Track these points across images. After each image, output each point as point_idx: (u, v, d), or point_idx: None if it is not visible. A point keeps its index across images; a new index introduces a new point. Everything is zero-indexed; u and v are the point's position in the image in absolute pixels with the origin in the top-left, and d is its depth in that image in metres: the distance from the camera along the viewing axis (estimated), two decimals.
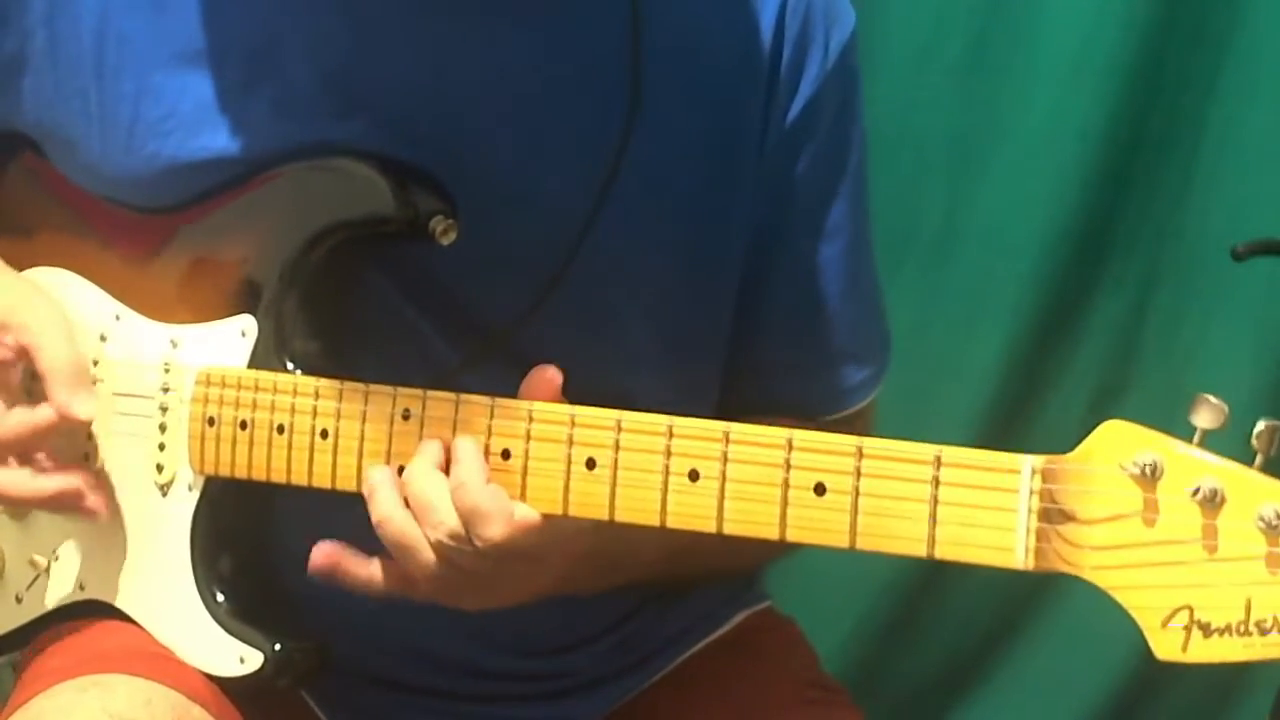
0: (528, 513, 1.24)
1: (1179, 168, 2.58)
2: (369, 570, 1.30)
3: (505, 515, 1.23)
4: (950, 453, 1.11)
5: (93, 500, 1.39)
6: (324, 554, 1.31)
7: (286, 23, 1.38)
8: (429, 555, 1.26)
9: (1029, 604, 2.65)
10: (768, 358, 1.50)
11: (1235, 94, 2.55)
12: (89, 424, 1.40)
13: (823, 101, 1.45)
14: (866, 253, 1.53)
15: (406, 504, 1.26)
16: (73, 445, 1.43)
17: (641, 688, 1.56)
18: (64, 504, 1.39)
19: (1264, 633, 0.99)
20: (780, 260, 1.47)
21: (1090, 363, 2.61)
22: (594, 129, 1.38)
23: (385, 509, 1.27)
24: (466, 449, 1.26)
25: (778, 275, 1.48)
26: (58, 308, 1.43)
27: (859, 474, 1.13)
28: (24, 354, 1.39)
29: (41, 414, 1.38)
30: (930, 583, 2.63)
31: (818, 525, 1.16)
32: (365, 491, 1.29)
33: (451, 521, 1.24)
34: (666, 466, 1.20)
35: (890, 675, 2.66)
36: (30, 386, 1.41)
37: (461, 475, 1.25)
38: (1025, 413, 2.58)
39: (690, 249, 1.44)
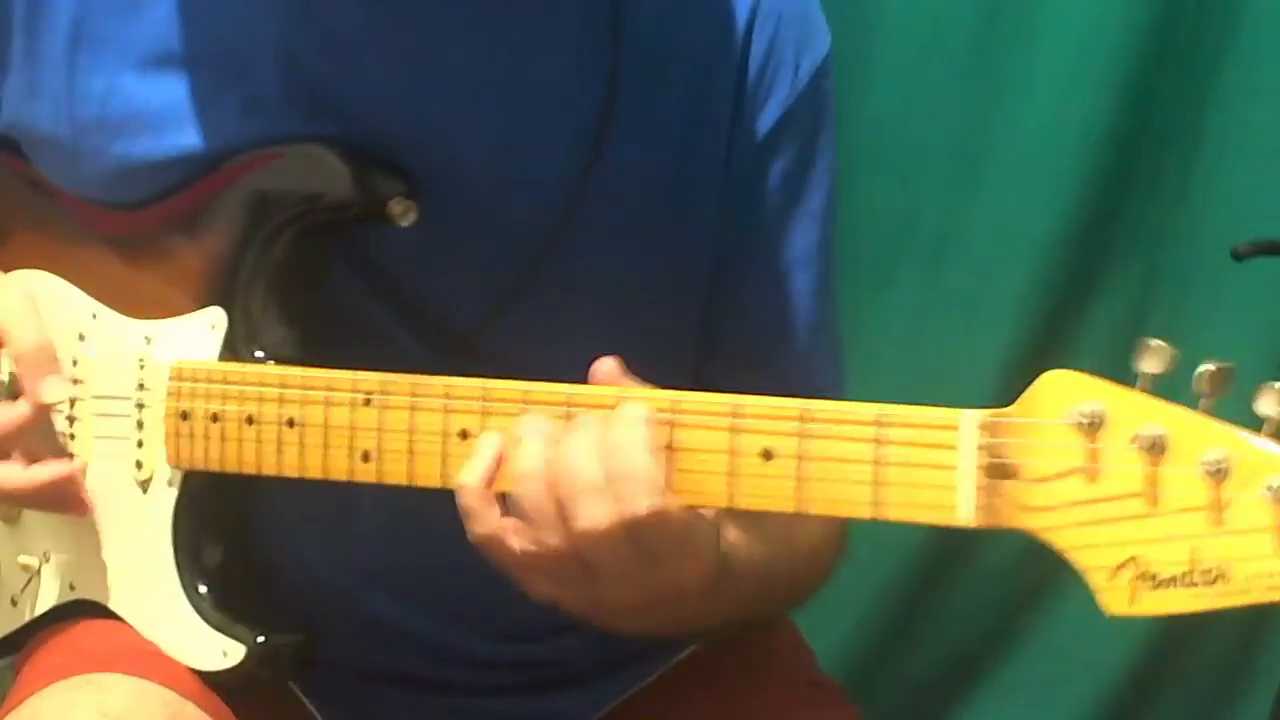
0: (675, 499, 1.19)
1: (1179, 168, 2.56)
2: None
3: (656, 488, 1.18)
4: (892, 412, 1.10)
5: (83, 489, 1.40)
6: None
7: (257, 31, 1.38)
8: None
9: (1028, 603, 2.63)
10: (720, 382, 1.47)
11: (1235, 94, 2.53)
12: (60, 404, 1.41)
13: (792, 123, 1.44)
14: (830, 285, 1.51)
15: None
16: (54, 448, 1.43)
17: (637, 687, 1.55)
18: (57, 493, 1.39)
19: (1210, 582, 0.98)
20: (743, 281, 1.46)
21: (1090, 363, 2.55)
22: (566, 136, 1.38)
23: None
24: (635, 411, 1.21)
25: (734, 299, 1.46)
26: (22, 293, 1.43)
27: (804, 437, 1.13)
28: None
29: (19, 408, 1.38)
30: (930, 582, 2.63)
31: (766, 492, 1.15)
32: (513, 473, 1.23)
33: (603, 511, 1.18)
34: None
35: (889, 675, 2.65)
36: (14, 387, 1.42)
37: (618, 438, 1.19)
38: None
39: (658, 256, 1.43)
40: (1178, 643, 2.58)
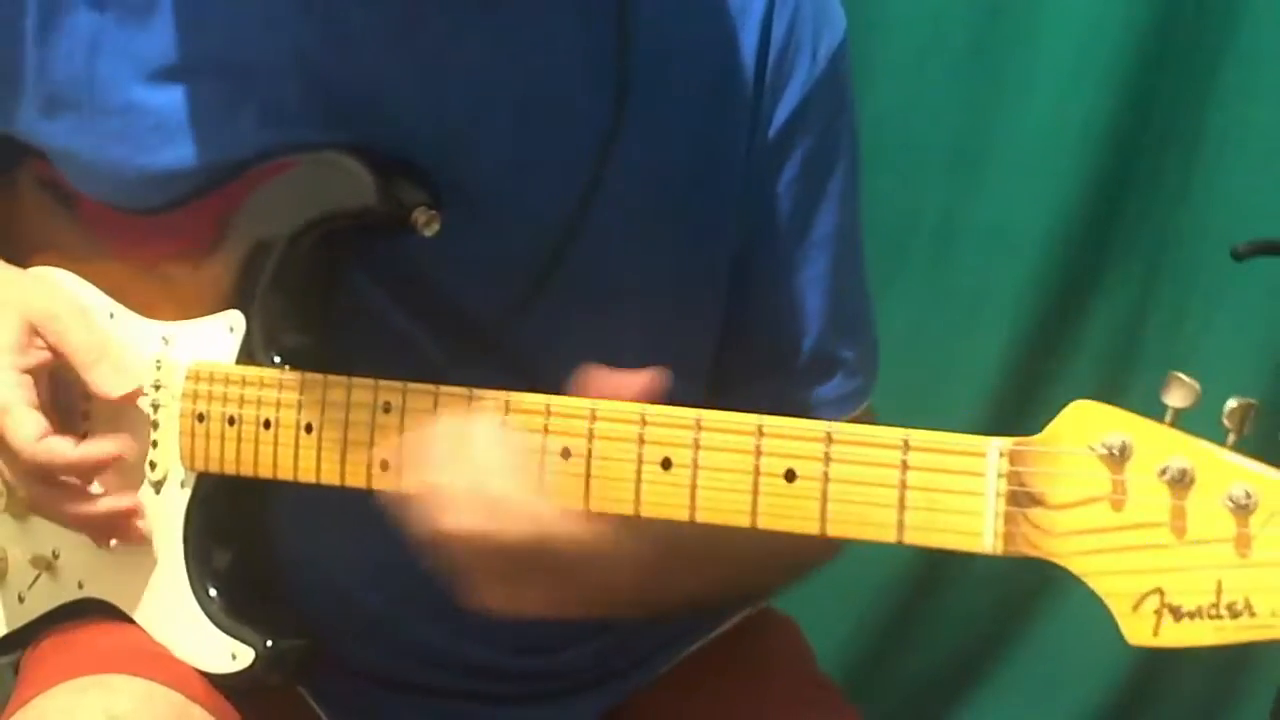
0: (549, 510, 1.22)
1: (1179, 168, 2.56)
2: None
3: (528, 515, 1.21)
4: (917, 436, 1.10)
5: (143, 523, 1.41)
6: None
7: (270, 38, 1.38)
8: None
9: (1028, 604, 2.64)
10: (748, 365, 1.48)
11: (1235, 94, 2.54)
12: (133, 401, 1.40)
13: (811, 108, 1.43)
14: (855, 266, 1.51)
15: None
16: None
17: (639, 687, 1.55)
18: (117, 524, 1.40)
19: (1235, 615, 0.98)
20: (763, 268, 1.46)
21: (1090, 363, 2.60)
22: (579, 133, 1.38)
23: None
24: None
25: (760, 282, 1.46)
26: (66, 292, 1.45)
27: (828, 459, 1.13)
28: (56, 350, 1.40)
29: (105, 446, 1.38)
30: (929, 583, 2.63)
31: (788, 512, 1.15)
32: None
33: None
34: (640, 455, 1.20)
35: (889, 675, 2.66)
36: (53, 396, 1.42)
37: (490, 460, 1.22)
38: (1025, 413, 2.57)
39: (679, 249, 1.43)
40: None
